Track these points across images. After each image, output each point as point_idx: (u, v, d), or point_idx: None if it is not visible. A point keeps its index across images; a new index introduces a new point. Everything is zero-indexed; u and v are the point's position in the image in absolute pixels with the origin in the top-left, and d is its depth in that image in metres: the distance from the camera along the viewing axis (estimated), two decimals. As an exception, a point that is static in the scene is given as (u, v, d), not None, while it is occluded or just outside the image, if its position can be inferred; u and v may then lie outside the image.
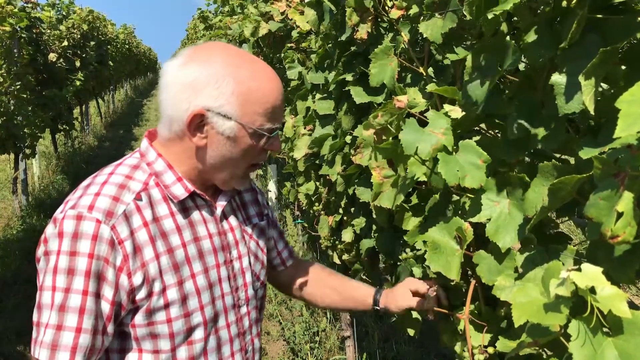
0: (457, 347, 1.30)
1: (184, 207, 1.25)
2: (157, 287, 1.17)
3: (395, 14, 1.52)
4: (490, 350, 1.18)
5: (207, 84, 1.16)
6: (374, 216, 1.72)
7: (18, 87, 6.09)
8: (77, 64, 9.38)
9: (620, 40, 0.84)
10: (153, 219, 1.19)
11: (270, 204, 6.40)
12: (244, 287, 1.35)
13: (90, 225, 1.11)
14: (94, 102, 14.19)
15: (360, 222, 2.07)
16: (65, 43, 8.84)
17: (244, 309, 1.35)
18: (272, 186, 6.32)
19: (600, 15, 0.88)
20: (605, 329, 0.75)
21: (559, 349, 0.89)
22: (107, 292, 1.12)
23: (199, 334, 1.23)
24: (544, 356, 0.98)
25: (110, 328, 1.14)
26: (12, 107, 5.95)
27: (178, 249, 1.21)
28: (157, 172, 1.24)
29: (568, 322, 0.76)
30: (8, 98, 5.91)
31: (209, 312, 1.25)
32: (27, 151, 6.48)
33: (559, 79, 0.89)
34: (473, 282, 1.25)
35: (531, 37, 0.97)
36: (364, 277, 2.30)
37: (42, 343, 1.09)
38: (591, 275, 0.73)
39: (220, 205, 1.31)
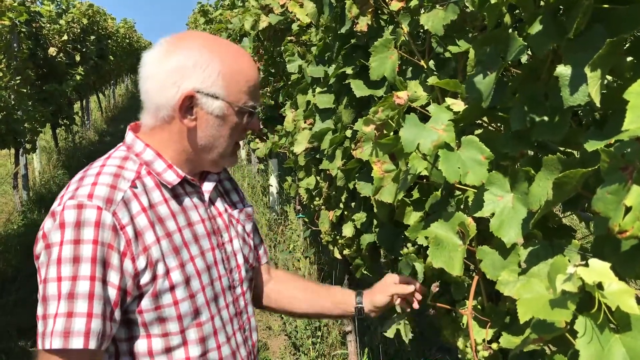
0: (460, 343, 1.29)
1: (175, 194, 1.29)
2: (160, 269, 1.19)
3: (395, 5, 1.50)
4: (494, 346, 1.16)
5: (194, 68, 1.22)
6: (375, 211, 1.70)
7: (18, 81, 6.08)
8: (77, 58, 9.37)
9: (627, 30, 0.82)
10: (149, 205, 1.22)
11: (272, 198, 6.40)
12: (237, 268, 1.40)
13: (92, 212, 1.13)
14: (94, 97, 14.18)
15: (360, 216, 2.06)
16: (65, 37, 8.83)
17: (238, 290, 1.40)
18: (273, 181, 6.31)
19: (606, 5, 0.86)
20: (612, 326, 0.74)
21: (563, 345, 0.87)
22: (113, 277, 1.14)
23: (205, 314, 1.27)
24: (547, 352, 0.97)
25: (117, 315, 1.15)
26: (12, 102, 5.93)
27: (175, 233, 1.24)
28: (147, 162, 1.27)
29: (574, 318, 0.75)
30: (8, 93, 5.89)
31: (209, 293, 1.28)
32: (28, 146, 6.48)
33: (564, 70, 0.87)
34: (476, 277, 1.23)
35: (536, 28, 0.95)
36: (365, 272, 2.29)
37: (52, 333, 1.08)
38: (599, 270, 0.72)
39: (207, 191, 1.35)
